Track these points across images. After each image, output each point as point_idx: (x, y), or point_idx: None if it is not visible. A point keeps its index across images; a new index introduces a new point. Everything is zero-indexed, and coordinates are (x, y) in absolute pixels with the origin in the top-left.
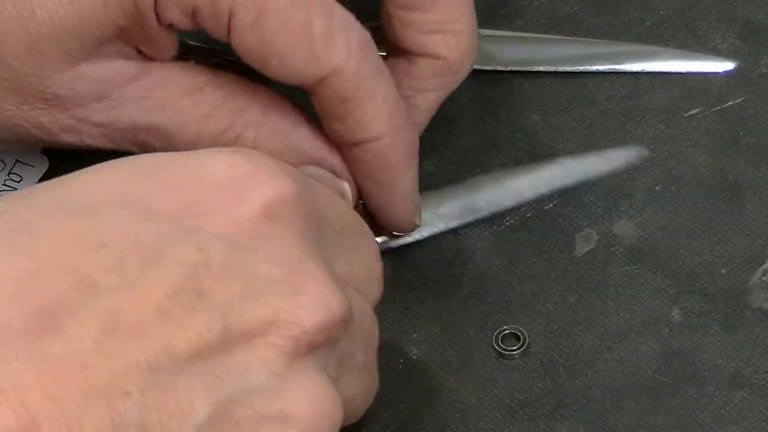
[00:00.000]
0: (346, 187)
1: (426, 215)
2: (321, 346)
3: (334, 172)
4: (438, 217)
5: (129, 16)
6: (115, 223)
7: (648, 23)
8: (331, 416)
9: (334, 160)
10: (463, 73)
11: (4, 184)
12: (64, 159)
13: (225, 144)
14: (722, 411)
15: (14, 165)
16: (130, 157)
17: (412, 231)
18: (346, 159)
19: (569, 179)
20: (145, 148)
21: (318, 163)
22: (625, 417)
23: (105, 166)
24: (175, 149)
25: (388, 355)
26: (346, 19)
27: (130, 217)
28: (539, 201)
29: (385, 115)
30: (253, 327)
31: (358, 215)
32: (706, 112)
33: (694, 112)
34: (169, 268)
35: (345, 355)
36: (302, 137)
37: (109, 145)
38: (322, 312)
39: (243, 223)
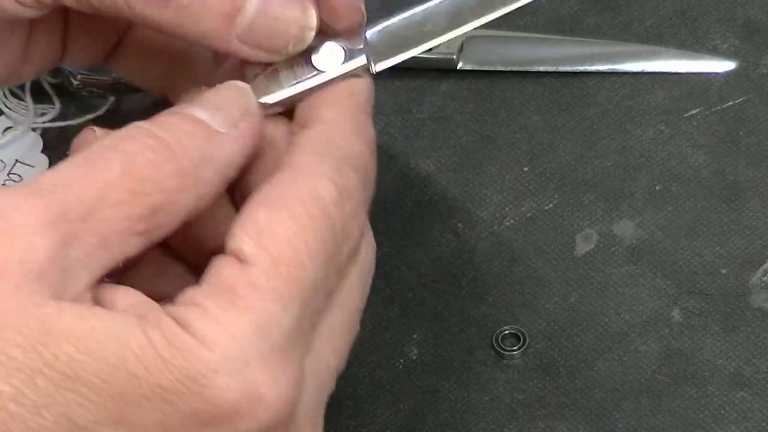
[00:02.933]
0: (311, 8)
1: (412, 33)
2: None
3: None
4: (424, 35)
5: None
6: None
7: (648, 23)
8: None
9: None
10: None
11: (4, 184)
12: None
13: None
14: (722, 411)
15: (14, 165)
16: None
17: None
18: None
19: None
20: None
21: None
22: (625, 417)
23: None
24: None
25: (388, 355)
26: None
27: None
28: (539, 201)
29: None
30: None
31: None
32: (706, 112)
33: (694, 112)
34: None
35: None
36: None
37: None
38: None
39: None
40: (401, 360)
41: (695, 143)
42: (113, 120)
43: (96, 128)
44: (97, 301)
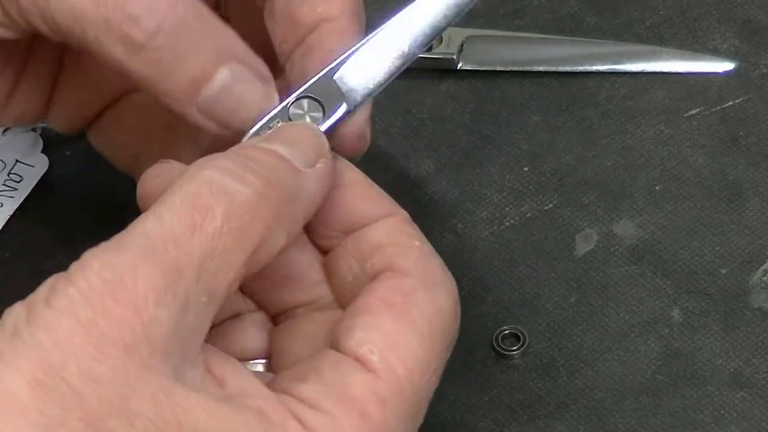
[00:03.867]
0: (274, 90)
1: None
2: None
3: (262, 75)
4: (393, 59)
5: None
6: None
7: (648, 23)
8: None
9: (262, 64)
10: (360, 24)
11: (4, 184)
12: (64, 159)
13: (152, 8)
14: (722, 411)
15: (14, 165)
16: None
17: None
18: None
19: None
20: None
21: (248, 65)
22: (625, 417)
23: None
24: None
25: None
26: None
27: None
28: (539, 201)
29: None
30: None
31: None
32: (706, 112)
33: (694, 112)
34: None
35: None
36: (233, 37)
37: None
38: None
39: None
40: None
41: (695, 143)
42: None
43: (172, 162)
44: (208, 368)
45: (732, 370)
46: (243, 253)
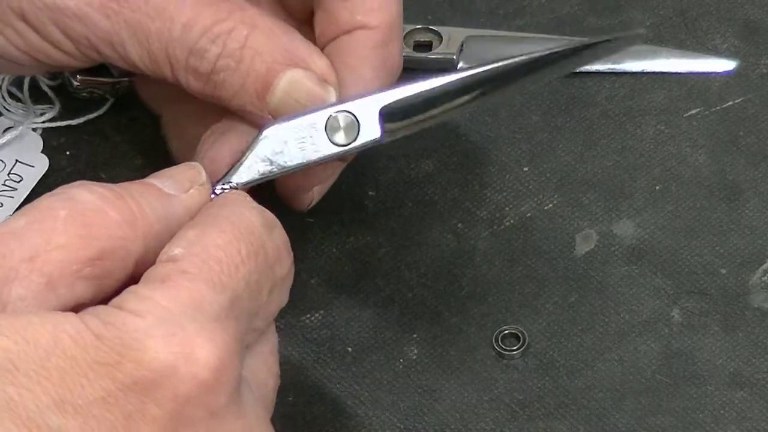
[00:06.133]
0: (332, 92)
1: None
2: None
3: (322, 76)
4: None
5: None
6: None
7: (648, 23)
8: None
9: (323, 62)
10: (395, 40)
11: (4, 184)
12: (64, 159)
13: (213, 37)
14: (722, 411)
15: (14, 165)
16: None
17: None
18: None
19: None
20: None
21: (306, 67)
22: (625, 417)
23: None
24: (161, 30)
25: (388, 355)
26: None
27: None
28: (539, 201)
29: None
30: None
31: None
32: (706, 112)
33: (694, 112)
34: None
35: None
36: (293, 40)
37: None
38: None
39: None
40: (401, 360)
41: (695, 143)
42: (113, 121)
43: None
44: None
45: (732, 370)
46: (85, 250)
